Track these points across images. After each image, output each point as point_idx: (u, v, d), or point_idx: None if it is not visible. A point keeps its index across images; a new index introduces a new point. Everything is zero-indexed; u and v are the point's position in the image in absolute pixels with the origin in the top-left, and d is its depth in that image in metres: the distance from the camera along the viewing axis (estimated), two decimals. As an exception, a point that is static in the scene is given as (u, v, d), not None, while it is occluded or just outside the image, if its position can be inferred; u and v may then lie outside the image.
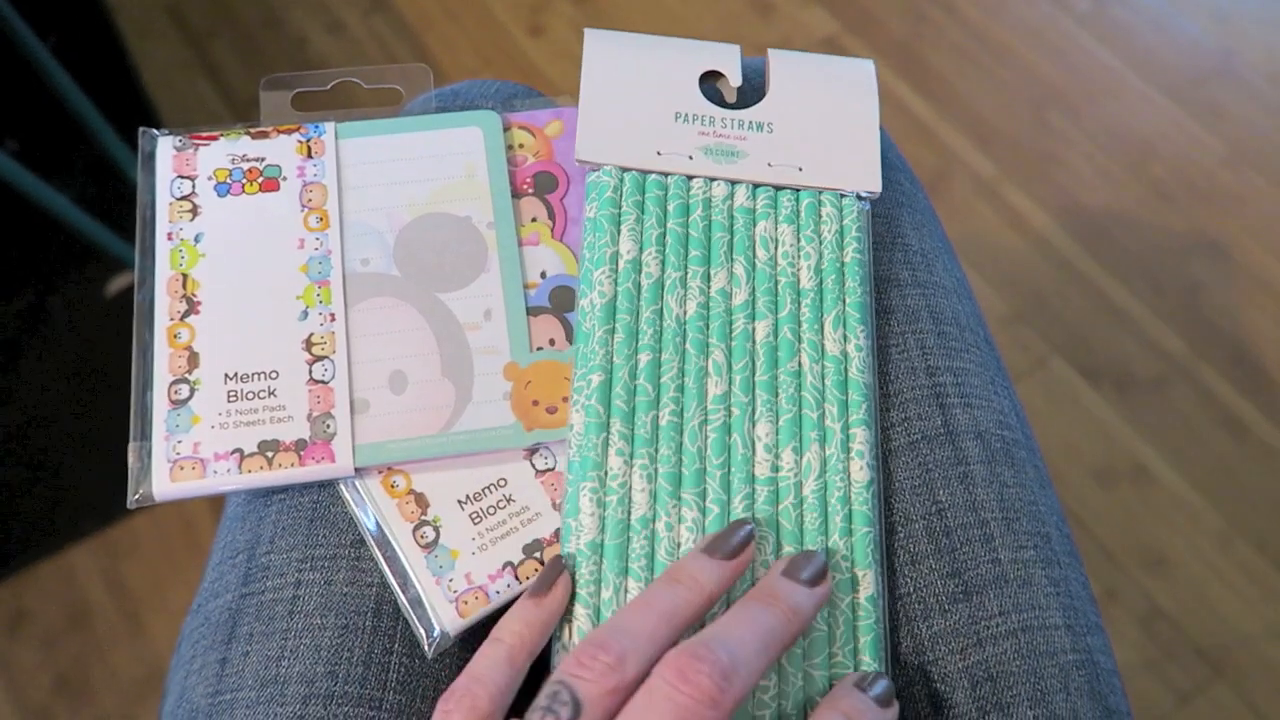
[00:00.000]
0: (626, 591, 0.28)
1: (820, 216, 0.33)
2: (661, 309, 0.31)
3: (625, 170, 0.33)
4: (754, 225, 0.33)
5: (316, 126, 0.34)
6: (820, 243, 0.33)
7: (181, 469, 0.30)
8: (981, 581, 0.31)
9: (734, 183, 0.34)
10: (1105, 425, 0.90)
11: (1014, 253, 0.98)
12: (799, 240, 0.33)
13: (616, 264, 0.32)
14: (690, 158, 0.33)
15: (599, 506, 0.29)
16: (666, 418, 0.30)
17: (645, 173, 0.33)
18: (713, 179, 0.34)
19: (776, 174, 0.34)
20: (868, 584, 0.29)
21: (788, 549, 0.29)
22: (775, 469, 0.30)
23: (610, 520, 0.29)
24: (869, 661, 0.29)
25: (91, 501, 0.89)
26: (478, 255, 0.33)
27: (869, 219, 0.34)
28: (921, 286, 0.36)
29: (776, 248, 0.33)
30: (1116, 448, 0.89)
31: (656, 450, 0.30)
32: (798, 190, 0.34)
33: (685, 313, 0.32)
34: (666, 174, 0.33)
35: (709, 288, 0.32)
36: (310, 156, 0.34)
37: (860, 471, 0.30)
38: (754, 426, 0.31)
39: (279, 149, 0.34)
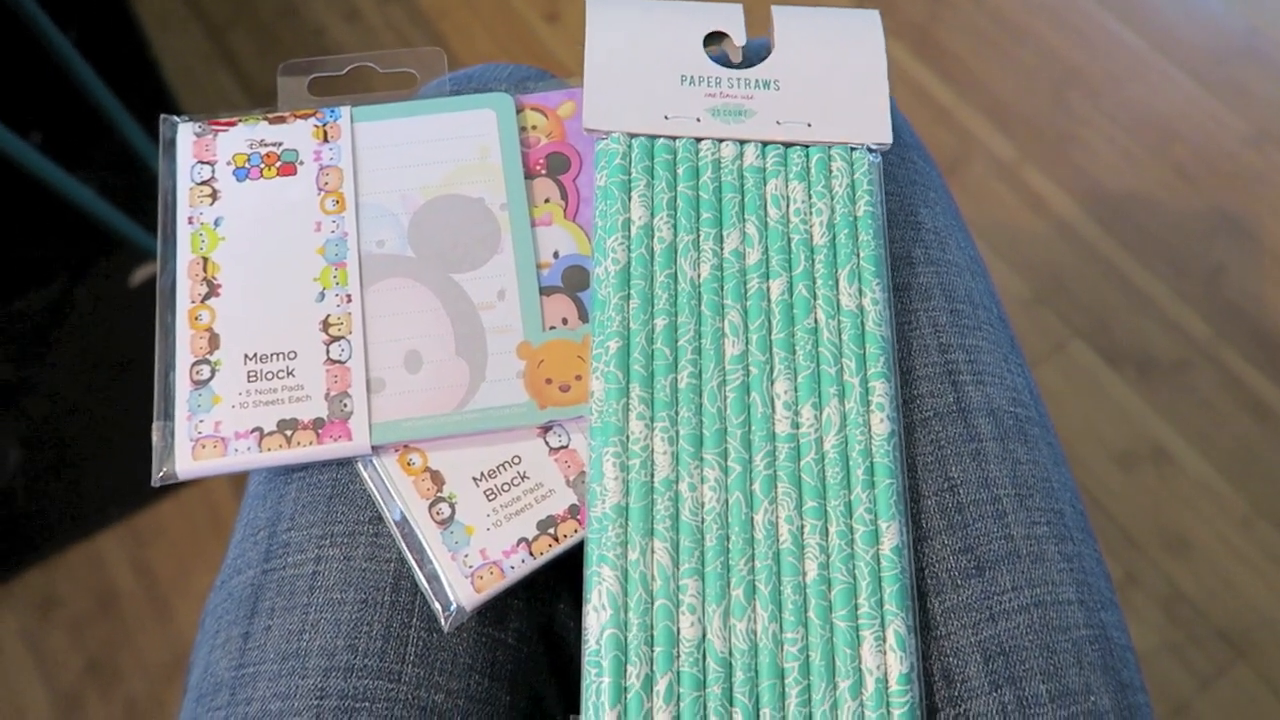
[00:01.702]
0: (653, 552, 0.29)
1: (831, 171, 0.33)
2: (675, 273, 0.32)
3: (633, 136, 0.33)
4: (764, 184, 0.33)
5: (332, 111, 0.35)
6: (832, 198, 0.33)
7: (203, 448, 0.30)
8: (994, 557, 0.31)
9: (743, 142, 0.33)
10: (1126, 408, 0.89)
11: (1034, 235, 0.98)
12: (810, 196, 0.33)
13: (629, 230, 0.32)
14: (698, 120, 0.33)
15: (622, 470, 0.29)
16: (685, 380, 0.30)
17: (653, 137, 0.33)
18: (721, 140, 0.33)
19: (785, 131, 0.33)
20: (892, 535, 0.29)
21: (810, 505, 0.29)
22: (795, 425, 0.30)
23: (634, 483, 0.29)
24: (895, 611, 0.29)
25: (118, 488, 0.90)
26: (491, 236, 0.33)
27: (880, 171, 0.34)
28: (934, 265, 0.36)
29: (788, 205, 0.33)
30: (1137, 430, 0.88)
31: (677, 413, 0.30)
32: (807, 146, 0.34)
33: (699, 275, 0.32)
34: (675, 137, 0.33)
35: (722, 249, 0.32)
36: (326, 140, 0.34)
37: (880, 424, 0.30)
38: (772, 384, 0.31)
39: (296, 134, 0.34)
